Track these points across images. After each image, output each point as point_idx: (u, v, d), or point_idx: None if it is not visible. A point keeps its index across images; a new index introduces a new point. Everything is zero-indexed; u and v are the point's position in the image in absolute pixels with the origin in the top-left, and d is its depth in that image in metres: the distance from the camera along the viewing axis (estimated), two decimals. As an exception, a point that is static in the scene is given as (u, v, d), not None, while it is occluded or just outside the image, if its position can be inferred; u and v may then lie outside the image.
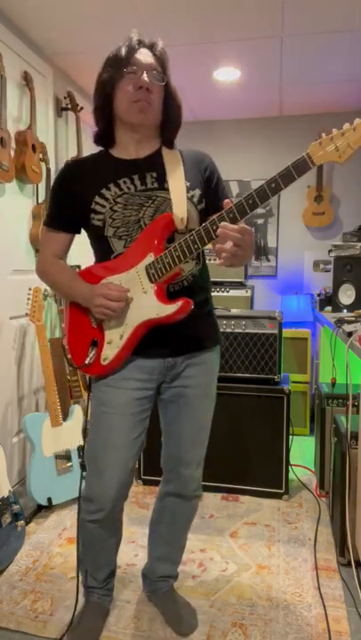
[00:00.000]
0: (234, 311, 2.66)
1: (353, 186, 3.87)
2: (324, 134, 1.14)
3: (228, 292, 3.30)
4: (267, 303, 4.03)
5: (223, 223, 1.20)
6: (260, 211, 4.05)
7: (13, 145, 2.48)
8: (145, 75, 1.32)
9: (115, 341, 1.39)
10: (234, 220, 1.22)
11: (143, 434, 1.50)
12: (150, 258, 1.32)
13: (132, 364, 1.43)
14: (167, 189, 1.36)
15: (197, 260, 1.44)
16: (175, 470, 1.57)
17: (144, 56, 1.34)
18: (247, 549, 2.08)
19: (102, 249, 1.42)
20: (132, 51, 1.33)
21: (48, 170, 2.75)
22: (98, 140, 1.45)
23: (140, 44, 1.36)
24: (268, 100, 3.59)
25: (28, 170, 2.51)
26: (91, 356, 1.42)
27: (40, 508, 2.35)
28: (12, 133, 2.45)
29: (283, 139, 3.89)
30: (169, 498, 1.62)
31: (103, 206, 1.36)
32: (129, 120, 1.36)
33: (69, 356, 1.50)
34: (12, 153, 2.46)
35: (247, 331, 2.53)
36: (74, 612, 1.62)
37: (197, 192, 1.42)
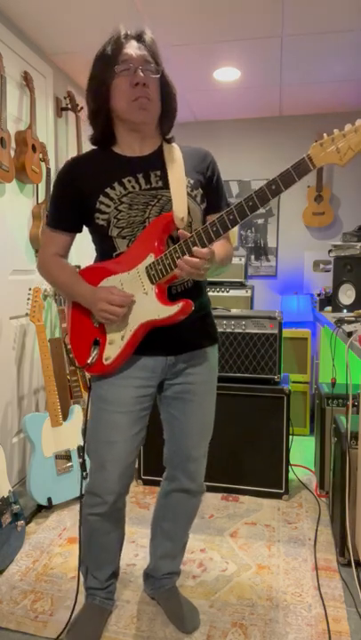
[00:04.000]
0: (234, 311, 2.66)
1: (353, 186, 3.87)
2: (325, 135, 1.13)
3: (228, 292, 3.30)
4: (267, 303, 4.04)
5: (186, 258, 1.22)
6: (260, 210, 4.04)
7: (13, 145, 2.48)
8: (139, 70, 1.29)
9: (116, 342, 1.39)
10: (234, 222, 1.22)
11: (143, 430, 1.51)
12: (151, 258, 1.32)
13: (134, 363, 1.43)
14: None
15: None
16: (182, 466, 1.57)
17: (134, 49, 1.30)
18: (247, 549, 2.08)
19: (105, 247, 1.42)
20: (120, 46, 1.30)
21: (48, 170, 2.75)
22: (96, 142, 1.43)
23: (127, 36, 1.32)
24: (268, 100, 3.59)
25: (28, 170, 2.51)
26: (93, 355, 1.42)
27: (40, 507, 2.35)
28: (12, 133, 2.45)
29: (283, 139, 3.89)
30: (175, 494, 1.63)
31: (108, 206, 1.35)
32: (131, 119, 1.33)
33: (72, 355, 1.52)
34: (12, 153, 2.46)
35: (247, 331, 2.53)
36: (71, 613, 1.62)
37: (200, 191, 1.41)
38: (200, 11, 2.39)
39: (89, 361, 1.42)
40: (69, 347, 1.53)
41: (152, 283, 1.33)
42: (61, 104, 3.08)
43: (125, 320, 1.37)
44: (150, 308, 1.33)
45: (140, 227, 1.35)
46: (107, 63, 1.31)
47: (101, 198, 1.35)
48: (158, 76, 1.34)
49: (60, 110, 3.07)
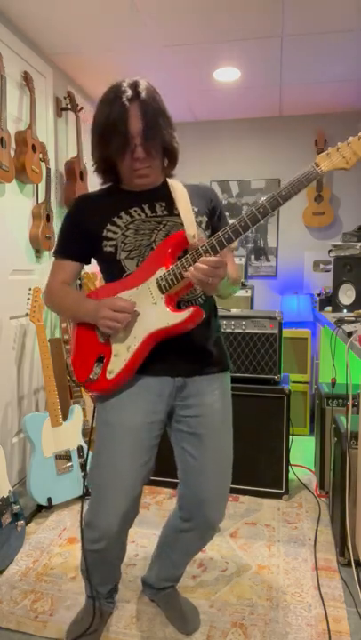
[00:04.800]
0: (234, 311, 2.66)
1: (353, 186, 3.87)
2: (330, 148, 1.20)
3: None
4: (267, 303, 4.03)
5: (196, 264, 1.22)
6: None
7: (13, 145, 2.48)
8: (139, 149, 1.29)
9: (122, 354, 1.34)
10: (246, 228, 1.24)
11: (152, 460, 1.44)
12: (162, 271, 1.30)
13: (140, 384, 1.38)
14: (177, 215, 1.36)
15: None
16: (199, 513, 1.47)
17: (135, 120, 1.27)
18: (247, 549, 2.08)
19: (114, 271, 1.39)
20: (122, 118, 1.27)
21: (48, 170, 2.75)
22: (104, 182, 1.46)
23: (127, 100, 1.28)
24: (268, 100, 3.59)
25: (28, 170, 2.51)
26: (96, 371, 1.37)
27: (40, 508, 2.35)
28: (12, 133, 2.45)
29: (283, 139, 3.89)
30: (188, 535, 1.54)
31: (115, 232, 1.37)
32: (132, 185, 1.38)
33: (73, 374, 1.46)
34: (12, 153, 2.46)
35: (247, 331, 2.53)
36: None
37: (205, 218, 1.43)
38: (200, 11, 2.39)
39: (91, 376, 1.37)
40: (71, 368, 1.47)
41: (162, 293, 1.30)
42: (61, 104, 3.08)
43: (133, 331, 1.33)
44: (159, 316, 1.30)
45: (147, 249, 1.36)
46: (109, 132, 1.30)
47: (109, 227, 1.37)
48: (157, 140, 1.33)
49: (60, 110, 3.07)
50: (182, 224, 1.32)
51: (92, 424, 1.46)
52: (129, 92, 1.29)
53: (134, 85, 1.30)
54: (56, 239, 1.51)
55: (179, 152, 1.44)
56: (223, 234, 1.24)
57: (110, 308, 1.31)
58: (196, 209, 1.41)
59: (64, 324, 2.85)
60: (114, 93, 1.30)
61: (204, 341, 1.42)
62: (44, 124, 2.83)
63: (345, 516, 1.89)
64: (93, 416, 1.46)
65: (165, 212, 1.39)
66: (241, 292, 3.34)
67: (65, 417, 2.45)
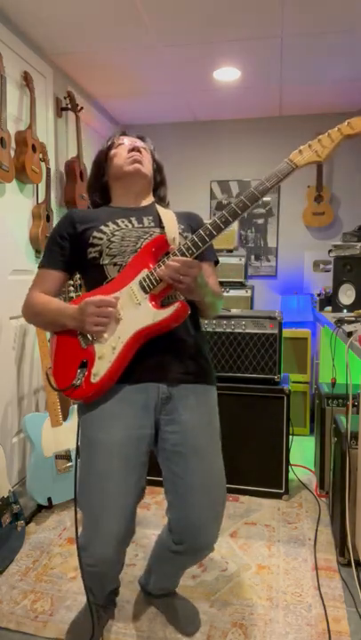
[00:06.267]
0: (234, 311, 2.66)
1: (353, 186, 3.87)
2: (301, 146, 1.27)
3: (228, 292, 3.30)
4: (267, 303, 4.03)
5: (167, 262, 1.25)
6: (260, 210, 4.05)
7: (13, 145, 2.48)
8: (134, 140, 1.50)
9: (106, 356, 1.30)
10: (227, 224, 1.26)
11: (143, 479, 1.39)
12: (144, 272, 1.30)
13: (123, 398, 1.33)
14: (163, 227, 1.39)
15: None
16: (191, 537, 1.38)
17: (130, 137, 1.54)
18: (247, 549, 2.08)
19: (96, 277, 1.38)
20: (119, 134, 1.54)
21: (48, 170, 2.75)
22: (95, 204, 1.56)
23: (124, 133, 1.55)
24: (269, 100, 3.59)
25: (28, 170, 2.51)
26: (79, 376, 1.32)
27: (40, 507, 2.35)
28: (12, 133, 2.45)
29: (283, 139, 3.89)
30: (181, 556, 1.45)
31: (100, 239, 1.38)
32: (127, 171, 1.46)
33: (53, 382, 1.40)
34: (12, 153, 2.46)
35: (247, 331, 2.53)
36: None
37: (190, 235, 1.43)
38: (200, 10, 2.39)
39: (75, 382, 1.31)
40: (51, 378, 1.41)
41: (145, 293, 1.29)
42: (61, 104, 3.08)
43: (116, 331, 1.30)
44: (144, 314, 1.28)
45: (132, 255, 1.35)
46: (107, 143, 1.53)
47: (95, 234, 1.39)
48: (151, 147, 1.55)
49: (60, 110, 3.07)
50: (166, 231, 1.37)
51: (77, 442, 1.39)
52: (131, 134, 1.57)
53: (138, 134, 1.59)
54: (43, 251, 1.50)
55: (165, 181, 1.61)
56: (204, 230, 1.26)
57: (95, 305, 1.28)
58: (182, 226, 1.45)
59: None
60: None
61: (189, 349, 1.39)
62: (44, 123, 2.83)
63: (345, 516, 1.89)
64: (78, 436, 1.39)
65: (152, 224, 1.42)
66: (241, 292, 3.34)
67: (65, 417, 2.45)
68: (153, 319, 1.27)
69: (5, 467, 1.98)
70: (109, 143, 1.52)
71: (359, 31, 2.57)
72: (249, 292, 3.35)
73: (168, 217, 1.42)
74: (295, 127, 3.86)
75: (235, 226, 3.25)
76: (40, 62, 2.79)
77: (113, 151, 1.50)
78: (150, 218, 1.44)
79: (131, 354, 1.30)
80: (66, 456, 2.39)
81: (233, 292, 3.31)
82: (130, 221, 1.42)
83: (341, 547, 1.94)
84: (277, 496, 2.49)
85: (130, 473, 1.34)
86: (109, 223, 1.41)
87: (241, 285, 3.38)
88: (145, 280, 1.29)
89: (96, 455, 1.33)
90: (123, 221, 1.41)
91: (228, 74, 3.11)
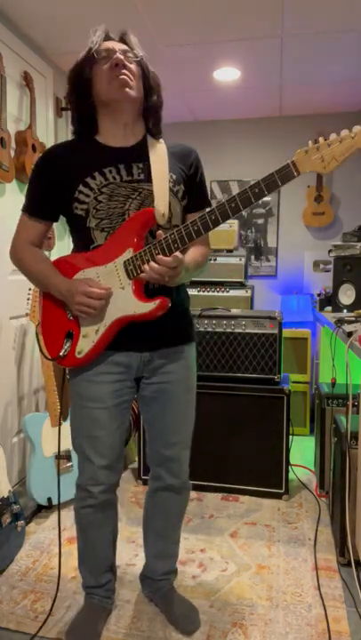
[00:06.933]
0: (234, 311, 2.65)
1: (353, 186, 3.87)
2: (310, 142, 1.15)
3: (228, 292, 3.30)
4: (267, 303, 4.03)
5: (151, 264, 1.25)
6: (260, 210, 4.05)
7: (13, 145, 2.48)
8: (118, 54, 1.31)
9: (90, 335, 1.38)
10: (216, 223, 1.24)
11: (125, 423, 1.53)
12: (129, 253, 1.30)
13: (109, 360, 1.42)
14: (152, 182, 1.34)
15: None
16: (164, 465, 1.58)
17: (114, 43, 1.35)
18: (247, 549, 2.08)
19: (83, 239, 1.39)
20: (101, 40, 1.34)
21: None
22: (79, 129, 1.42)
23: (108, 37, 1.37)
24: (268, 100, 3.60)
25: (28, 170, 2.51)
26: (65, 348, 1.40)
27: (40, 508, 2.35)
28: (12, 133, 2.46)
29: (283, 139, 3.89)
30: (161, 493, 1.63)
31: (87, 195, 1.33)
32: (112, 97, 1.32)
33: (43, 347, 1.49)
34: (12, 153, 2.46)
35: (247, 331, 2.53)
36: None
37: (182, 187, 1.41)
38: (200, 11, 2.39)
39: (61, 353, 1.40)
40: (40, 337, 1.50)
41: (129, 278, 1.31)
42: (61, 104, 3.08)
43: (101, 314, 1.35)
44: (127, 303, 1.32)
45: (120, 219, 1.34)
46: (88, 53, 1.33)
47: (81, 188, 1.33)
48: (138, 59, 1.35)
49: (59, 110, 3.07)
50: (155, 195, 1.32)
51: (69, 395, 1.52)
52: (113, 34, 1.38)
53: (121, 31, 1.39)
54: (25, 194, 1.46)
55: (162, 102, 1.43)
56: (193, 225, 1.25)
57: (85, 294, 1.30)
58: (174, 176, 1.39)
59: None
60: (98, 30, 1.37)
61: (172, 319, 1.42)
62: (44, 123, 2.83)
63: (345, 515, 1.89)
64: (69, 389, 1.52)
65: (142, 177, 1.35)
66: (241, 292, 3.34)
67: (65, 417, 2.45)
68: (134, 310, 1.32)
69: (5, 467, 1.98)
70: (88, 55, 1.33)
71: (359, 31, 2.57)
72: (249, 292, 3.35)
73: (159, 164, 1.35)
74: (295, 127, 3.86)
75: (235, 226, 3.25)
76: (40, 62, 2.79)
77: (96, 67, 1.32)
78: (140, 166, 1.35)
79: (113, 334, 1.37)
80: (66, 456, 2.39)
81: (233, 292, 3.31)
82: (118, 171, 1.34)
83: (341, 547, 1.94)
84: (277, 496, 2.49)
85: (113, 419, 1.47)
86: (96, 174, 1.33)
87: (241, 285, 3.38)
88: (129, 264, 1.30)
89: (82, 407, 1.46)
90: (110, 171, 1.33)
91: (228, 74, 3.11)
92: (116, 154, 1.36)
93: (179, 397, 1.52)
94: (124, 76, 1.30)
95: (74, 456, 2.41)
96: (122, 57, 1.31)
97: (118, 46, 1.34)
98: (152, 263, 1.25)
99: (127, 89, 1.31)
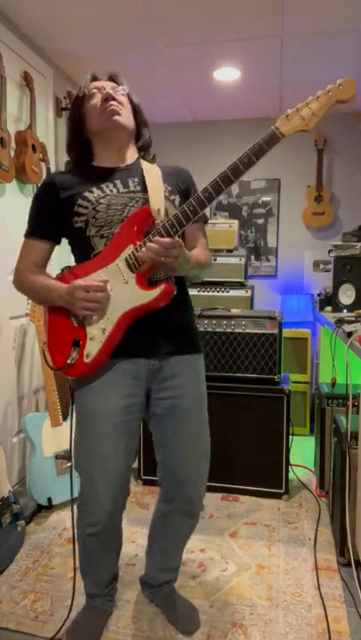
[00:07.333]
0: (234, 311, 2.66)
1: (353, 186, 3.87)
2: (289, 110, 1.22)
3: (228, 292, 3.30)
4: (267, 303, 4.03)
5: (148, 244, 1.25)
6: (260, 210, 4.05)
7: (13, 145, 2.48)
8: (108, 89, 1.40)
9: (97, 336, 1.35)
10: (210, 199, 1.25)
11: (134, 442, 1.47)
12: (130, 249, 1.31)
13: (116, 368, 1.38)
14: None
15: None
16: (179, 491, 1.51)
17: (102, 82, 1.45)
18: (247, 549, 2.08)
19: (83, 248, 1.39)
20: (88, 82, 1.45)
21: (48, 170, 2.75)
22: (76, 161, 1.49)
23: (95, 78, 1.46)
24: (268, 100, 3.59)
25: (28, 170, 2.51)
26: (73, 355, 1.37)
27: (40, 507, 2.35)
28: (12, 133, 2.46)
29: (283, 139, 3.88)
30: (173, 516, 1.57)
31: (86, 207, 1.36)
32: (104, 126, 1.39)
33: (49, 359, 1.45)
34: (12, 153, 2.46)
35: (247, 331, 2.53)
36: (69, 612, 1.62)
37: (177, 197, 1.43)
38: (200, 11, 2.39)
39: (69, 361, 1.37)
40: (46, 353, 1.46)
41: (132, 271, 1.31)
42: (61, 104, 3.08)
43: (106, 313, 1.34)
44: (132, 295, 1.31)
45: (118, 226, 1.35)
46: (79, 95, 1.44)
47: (80, 201, 1.37)
48: (125, 93, 1.44)
49: (60, 110, 3.07)
50: (150, 197, 1.34)
51: (72, 410, 1.45)
52: (102, 76, 1.47)
53: (111, 73, 1.49)
54: (27, 221, 1.48)
55: (147, 124, 1.52)
56: (188, 206, 1.25)
57: (84, 289, 1.30)
58: (169, 187, 1.42)
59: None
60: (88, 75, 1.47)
61: (177, 322, 1.42)
62: (44, 123, 2.83)
63: (345, 515, 1.89)
64: (72, 402, 1.46)
65: (138, 188, 1.39)
66: (241, 292, 3.34)
67: (65, 417, 2.45)
68: (140, 301, 1.30)
69: (5, 467, 1.98)
70: (81, 95, 1.43)
71: (359, 31, 2.57)
72: (249, 292, 3.35)
73: (153, 178, 1.39)
74: (295, 127, 3.85)
75: (235, 226, 3.25)
76: (40, 62, 2.79)
77: (87, 105, 1.42)
78: (136, 180, 1.40)
79: (121, 333, 1.34)
80: (66, 456, 2.39)
81: (233, 292, 3.30)
82: (115, 185, 1.38)
83: (341, 547, 1.94)
84: (277, 496, 2.49)
85: (121, 438, 1.41)
86: (94, 189, 1.37)
87: (241, 285, 3.38)
88: (130, 258, 1.31)
89: (89, 422, 1.40)
90: (107, 186, 1.38)
91: (228, 74, 3.11)
92: (113, 172, 1.42)
93: (193, 414, 1.46)
94: (114, 107, 1.39)
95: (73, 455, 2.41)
96: (111, 92, 1.40)
97: (107, 84, 1.44)
98: (149, 243, 1.24)
99: (117, 117, 1.39)
